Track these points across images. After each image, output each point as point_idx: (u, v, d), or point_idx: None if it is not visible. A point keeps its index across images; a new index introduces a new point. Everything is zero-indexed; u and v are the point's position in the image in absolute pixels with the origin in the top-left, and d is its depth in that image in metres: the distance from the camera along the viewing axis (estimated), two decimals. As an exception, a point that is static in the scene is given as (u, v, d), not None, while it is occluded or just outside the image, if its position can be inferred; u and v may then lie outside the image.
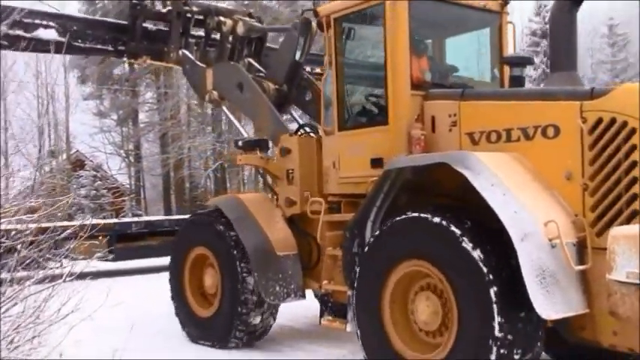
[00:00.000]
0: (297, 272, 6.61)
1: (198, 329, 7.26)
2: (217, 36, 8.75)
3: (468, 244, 4.49)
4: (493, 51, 6.42)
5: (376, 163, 5.81)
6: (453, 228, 4.59)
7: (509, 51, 6.37)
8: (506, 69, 6.07)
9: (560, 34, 5.28)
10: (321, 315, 5.99)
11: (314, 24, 6.87)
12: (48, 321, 4.36)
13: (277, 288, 6.43)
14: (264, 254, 6.51)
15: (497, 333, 4.34)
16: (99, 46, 8.45)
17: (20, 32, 7.48)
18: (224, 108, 8.48)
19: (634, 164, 4.35)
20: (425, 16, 5.86)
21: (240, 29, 8.46)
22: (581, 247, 4.54)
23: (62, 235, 4.87)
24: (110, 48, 8.53)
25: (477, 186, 4.51)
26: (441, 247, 4.69)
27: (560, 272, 4.37)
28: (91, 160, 28.37)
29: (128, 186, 32.75)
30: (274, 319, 7.00)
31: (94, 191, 23.61)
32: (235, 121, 8.77)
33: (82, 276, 4.69)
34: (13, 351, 4.19)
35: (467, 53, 6.63)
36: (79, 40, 8.15)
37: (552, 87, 5.05)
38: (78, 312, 4.47)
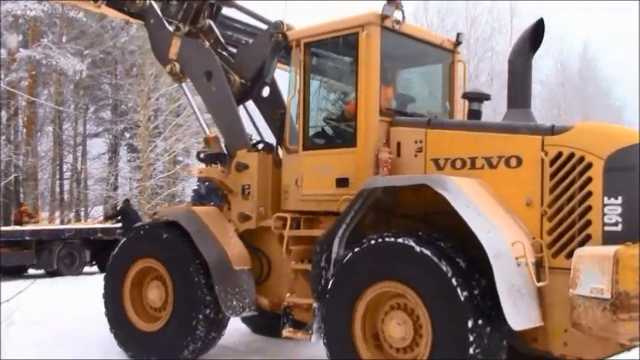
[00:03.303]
0: (252, 286, 6.70)
1: (139, 344, 7.09)
2: None
3: (443, 267, 4.85)
4: (445, 85, 6.96)
5: (342, 182, 6.10)
6: (428, 253, 4.93)
7: (459, 86, 6.92)
8: (462, 103, 6.61)
9: (518, 75, 5.89)
10: (283, 327, 6.13)
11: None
12: None
13: (235, 302, 6.48)
14: (224, 268, 6.54)
15: (470, 347, 4.73)
16: None
17: None
18: (183, 85, 7.91)
19: (589, 194, 4.94)
20: (391, 48, 6.26)
21: None
22: (538, 267, 5.07)
23: None
24: None
25: (456, 207, 4.92)
26: (418, 269, 5.02)
27: (524, 288, 4.87)
28: None
29: None
30: (223, 334, 7.02)
31: None
32: (194, 104, 7.98)
33: None
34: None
35: (422, 85, 7.12)
36: None
37: (516, 122, 5.58)
38: None
